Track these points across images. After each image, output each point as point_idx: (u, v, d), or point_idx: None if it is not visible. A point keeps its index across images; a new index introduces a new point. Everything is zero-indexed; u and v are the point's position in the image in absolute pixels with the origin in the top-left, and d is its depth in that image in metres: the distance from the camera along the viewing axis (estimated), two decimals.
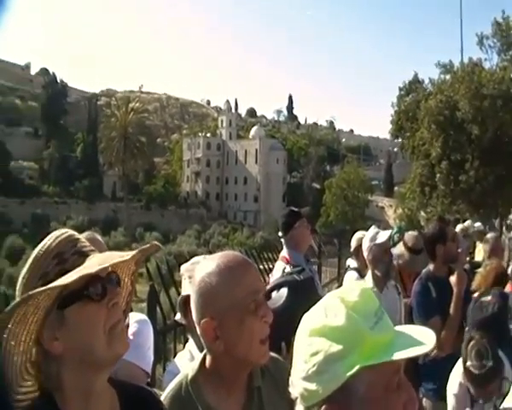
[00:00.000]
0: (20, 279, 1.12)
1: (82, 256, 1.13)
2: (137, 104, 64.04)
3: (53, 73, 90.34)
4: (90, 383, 1.13)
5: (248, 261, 1.48)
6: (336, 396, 0.95)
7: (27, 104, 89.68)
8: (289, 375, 1.03)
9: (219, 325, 1.36)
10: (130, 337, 2.08)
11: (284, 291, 2.39)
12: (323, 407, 0.97)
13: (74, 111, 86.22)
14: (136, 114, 60.89)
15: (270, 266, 6.74)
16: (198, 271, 1.43)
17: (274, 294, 2.38)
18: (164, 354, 3.27)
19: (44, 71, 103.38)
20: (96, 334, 1.10)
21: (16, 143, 74.49)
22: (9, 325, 1.03)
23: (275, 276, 3.52)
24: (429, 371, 3.46)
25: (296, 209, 3.98)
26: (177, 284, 2.99)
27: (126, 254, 1.14)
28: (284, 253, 3.78)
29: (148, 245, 1.21)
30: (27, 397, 1.12)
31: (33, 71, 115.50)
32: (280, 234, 3.86)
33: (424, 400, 3.60)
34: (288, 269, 3.36)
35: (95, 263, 1.10)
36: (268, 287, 2.41)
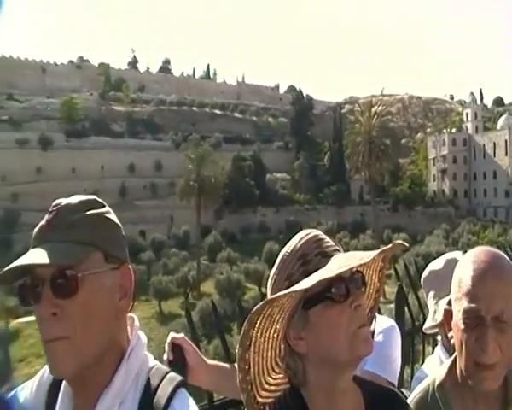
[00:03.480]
0: (269, 279, 1.17)
1: (325, 257, 1.13)
2: (380, 107, 63.73)
3: (299, 90, 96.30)
4: (334, 382, 1.13)
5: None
6: None
7: (278, 121, 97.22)
8: None
9: None
10: (376, 346, 2.00)
11: None
12: None
13: (320, 122, 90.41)
14: (380, 117, 60.56)
15: None
16: None
17: None
18: (412, 357, 3.12)
19: (292, 88, 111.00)
20: (338, 336, 1.09)
21: (270, 157, 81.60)
22: (257, 324, 1.09)
23: None
24: None
25: None
26: None
27: (367, 256, 1.10)
28: None
29: (390, 245, 1.16)
30: (279, 388, 1.18)
31: (282, 90, 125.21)
32: None
33: None
34: None
35: (335, 265, 1.08)
36: None
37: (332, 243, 1.18)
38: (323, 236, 1.19)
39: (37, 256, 1.00)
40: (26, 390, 1.19)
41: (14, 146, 71.56)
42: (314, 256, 1.13)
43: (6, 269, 1.00)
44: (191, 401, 1.07)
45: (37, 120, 79.59)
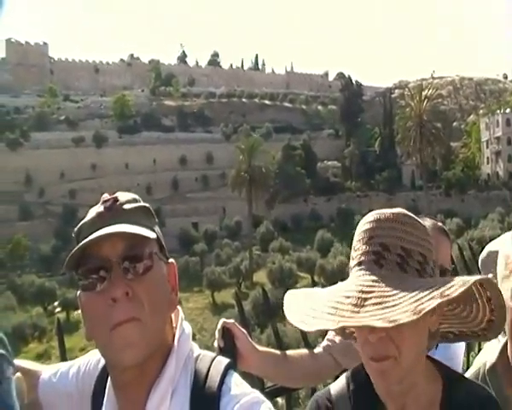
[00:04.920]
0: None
1: (358, 266, 1.03)
2: (431, 91, 62.06)
3: (348, 76, 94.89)
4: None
5: None
6: None
7: (328, 108, 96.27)
8: None
9: None
10: None
11: None
12: None
13: (370, 108, 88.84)
14: (430, 100, 59.09)
15: None
16: None
17: None
18: (467, 344, 3.05)
19: (341, 75, 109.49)
20: None
21: (320, 145, 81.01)
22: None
23: None
24: None
25: None
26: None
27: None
28: None
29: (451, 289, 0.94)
30: None
31: (331, 77, 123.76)
32: None
33: None
34: None
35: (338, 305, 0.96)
36: None
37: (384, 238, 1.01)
38: (382, 223, 1.02)
39: (110, 230, 0.94)
40: (74, 369, 1.20)
41: (71, 144, 74.20)
42: (355, 256, 1.03)
43: (78, 247, 0.95)
44: (242, 380, 1.04)
45: (92, 118, 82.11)
